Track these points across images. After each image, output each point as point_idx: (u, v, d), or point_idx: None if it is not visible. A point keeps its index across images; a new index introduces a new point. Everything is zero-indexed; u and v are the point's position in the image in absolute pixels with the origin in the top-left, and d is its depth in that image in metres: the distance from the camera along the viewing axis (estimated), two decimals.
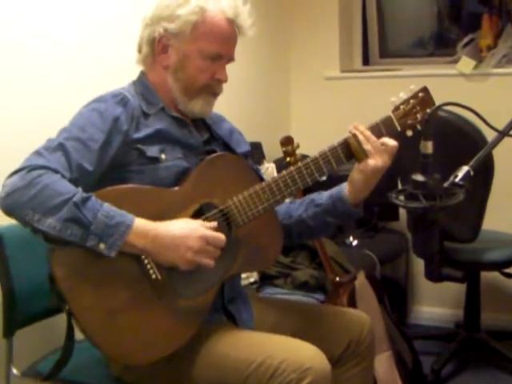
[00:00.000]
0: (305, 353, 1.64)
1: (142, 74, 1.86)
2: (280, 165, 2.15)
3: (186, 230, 1.61)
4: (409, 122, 1.80)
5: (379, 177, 1.79)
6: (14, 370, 1.96)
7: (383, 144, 1.77)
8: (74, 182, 1.57)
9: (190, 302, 1.67)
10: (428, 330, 3.63)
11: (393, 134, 1.80)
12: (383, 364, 2.38)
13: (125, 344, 1.59)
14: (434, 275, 2.06)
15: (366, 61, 4.04)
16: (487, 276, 3.30)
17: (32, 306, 1.96)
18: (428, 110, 1.77)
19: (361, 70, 4.01)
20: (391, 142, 1.77)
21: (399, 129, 1.81)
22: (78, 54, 2.35)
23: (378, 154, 1.76)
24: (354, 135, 1.79)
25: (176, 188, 1.72)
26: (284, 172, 1.78)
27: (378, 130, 1.80)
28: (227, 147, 1.92)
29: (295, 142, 2.29)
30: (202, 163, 1.78)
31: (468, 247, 2.91)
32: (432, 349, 3.22)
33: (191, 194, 1.73)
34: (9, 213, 1.54)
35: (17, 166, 1.56)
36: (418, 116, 1.79)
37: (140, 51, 1.85)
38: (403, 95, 1.80)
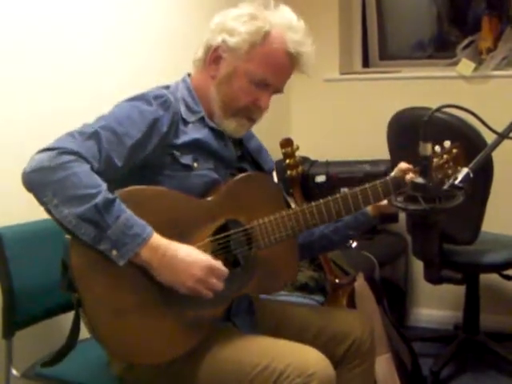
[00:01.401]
0: (310, 357, 1.64)
1: (188, 78, 1.84)
2: (279, 167, 2.16)
3: (194, 258, 1.60)
4: (439, 176, 1.78)
5: None
6: (14, 371, 1.96)
7: None
8: (101, 173, 1.56)
9: (197, 314, 1.66)
10: (427, 332, 3.63)
11: None
12: (382, 366, 2.38)
13: (127, 342, 1.59)
14: (433, 277, 2.07)
15: (365, 63, 4.04)
16: (486, 278, 3.30)
17: (32, 307, 1.96)
18: (459, 168, 1.78)
19: (360, 72, 4.01)
20: None
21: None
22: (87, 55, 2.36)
23: None
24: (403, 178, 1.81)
25: (207, 198, 1.73)
26: (312, 203, 1.79)
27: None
28: (256, 164, 1.93)
29: (295, 143, 2.29)
30: (235, 179, 1.78)
31: (467, 249, 2.91)
32: (431, 351, 3.22)
33: (220, 207, 1.73)
34: (29, 188, 1.52)
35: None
36: (450, 171, 1.78)
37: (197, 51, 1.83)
38: (438, 148, 1.79)
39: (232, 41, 1.74)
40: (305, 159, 3.45)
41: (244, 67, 1.75)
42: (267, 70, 1.76)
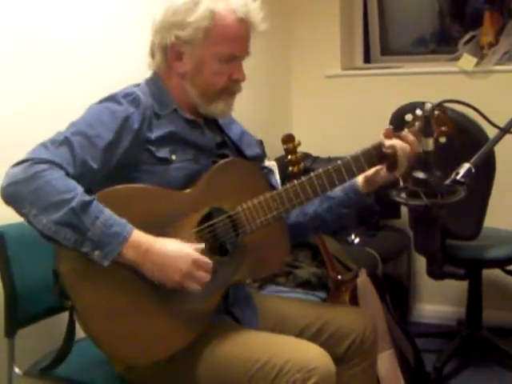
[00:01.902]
0: (310, 353, 1.64)
1: (155, 74, 1.84)
2: (281, 163, 2.15)
3: (179, 252, 1.59)
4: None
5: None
6: (16, 370, 1.96)
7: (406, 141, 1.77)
8: (78, 177, 1.56)
9: (193, 307, 1.66)
10: (430, 328, 3.62)
11: None
12: (385, 362, 2.38)
13: (124, 344, 1.59)
14: (435, 273, 2.06)
15: (367, 58, 4.04)
16: (489, 273, 3.29)
17: (34, 306, 1.96)
18: (444, 129, 1.76)
19: (362, 67, 4.00)
20: (410, 138, 1.77)
21: None
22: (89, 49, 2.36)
23: (407, 157, 1.76)
24: (390, 146, 1.78)
25: (187, 190, 1.72)
26: (295, 181, 1.77)
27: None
28: (238, 150, 1.92)
29: (296, 139, 2.28)
30: (214, 167, 1.77)
31: (470, 244, 2.91)
32: (434, 346, 3.21)
33: (201, 197, 1.72)
34: (7, 202, 1.53)
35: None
36: (434, 134, 1.74)
37: (153, 57, 1.83)
38: (419, 112, 1.77)
39: (185, 34, 1.73)
40: (306, 155, 3.45)
41: (208, 53, 1.75)
42: (230, 45, 1.75)
